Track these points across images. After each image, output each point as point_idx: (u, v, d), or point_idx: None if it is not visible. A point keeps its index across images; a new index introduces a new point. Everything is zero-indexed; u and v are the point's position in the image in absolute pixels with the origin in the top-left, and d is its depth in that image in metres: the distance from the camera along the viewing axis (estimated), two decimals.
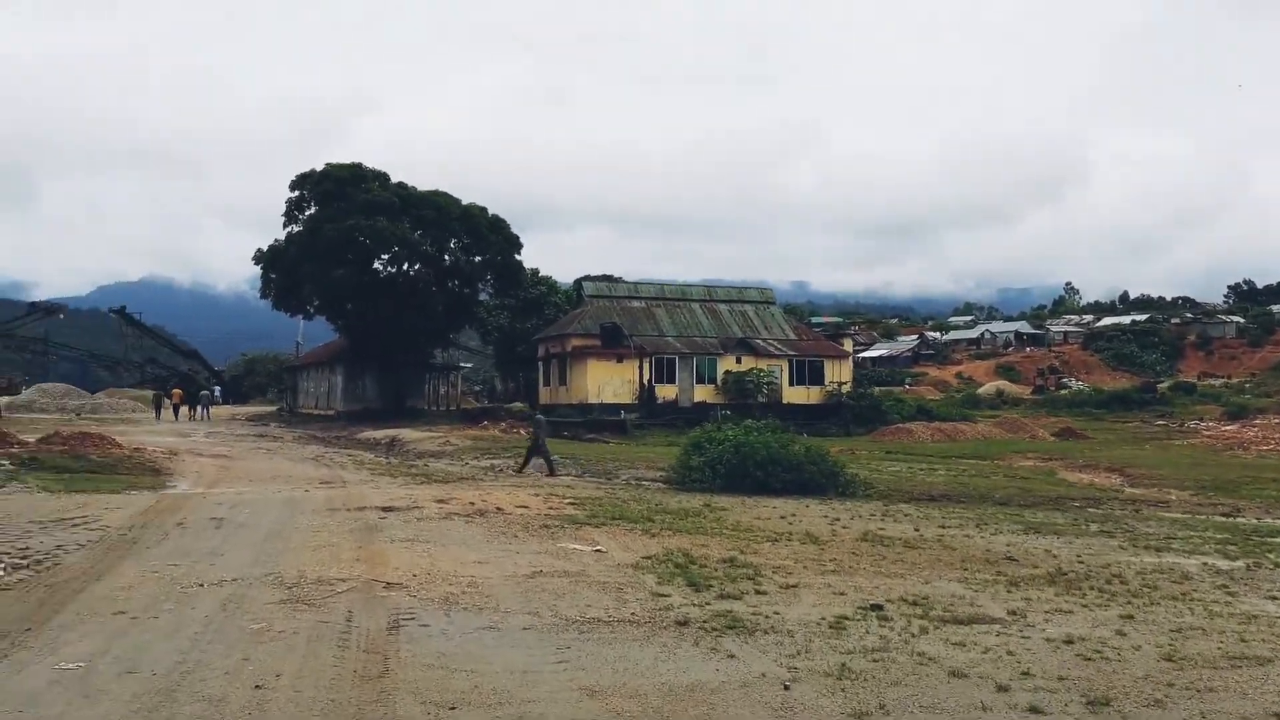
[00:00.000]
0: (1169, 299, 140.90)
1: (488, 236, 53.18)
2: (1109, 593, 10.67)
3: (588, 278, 63.93)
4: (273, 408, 67.13)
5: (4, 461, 21.79)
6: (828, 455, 22.34)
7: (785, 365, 51.60)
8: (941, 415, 51.69)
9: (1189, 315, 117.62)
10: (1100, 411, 60.79)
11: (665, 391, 49.00)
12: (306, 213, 52.00)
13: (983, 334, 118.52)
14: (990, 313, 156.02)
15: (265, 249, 53.24)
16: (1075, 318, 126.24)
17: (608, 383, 48.16)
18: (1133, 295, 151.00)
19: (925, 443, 41.28)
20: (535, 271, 63.96)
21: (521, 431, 37.85)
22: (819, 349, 54.00)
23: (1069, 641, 8.42)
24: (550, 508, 16.44)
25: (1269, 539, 15.67)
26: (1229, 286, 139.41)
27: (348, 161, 53.23)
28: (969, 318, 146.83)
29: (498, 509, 16.02)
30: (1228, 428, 47.17)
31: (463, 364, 71.97)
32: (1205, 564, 12.89)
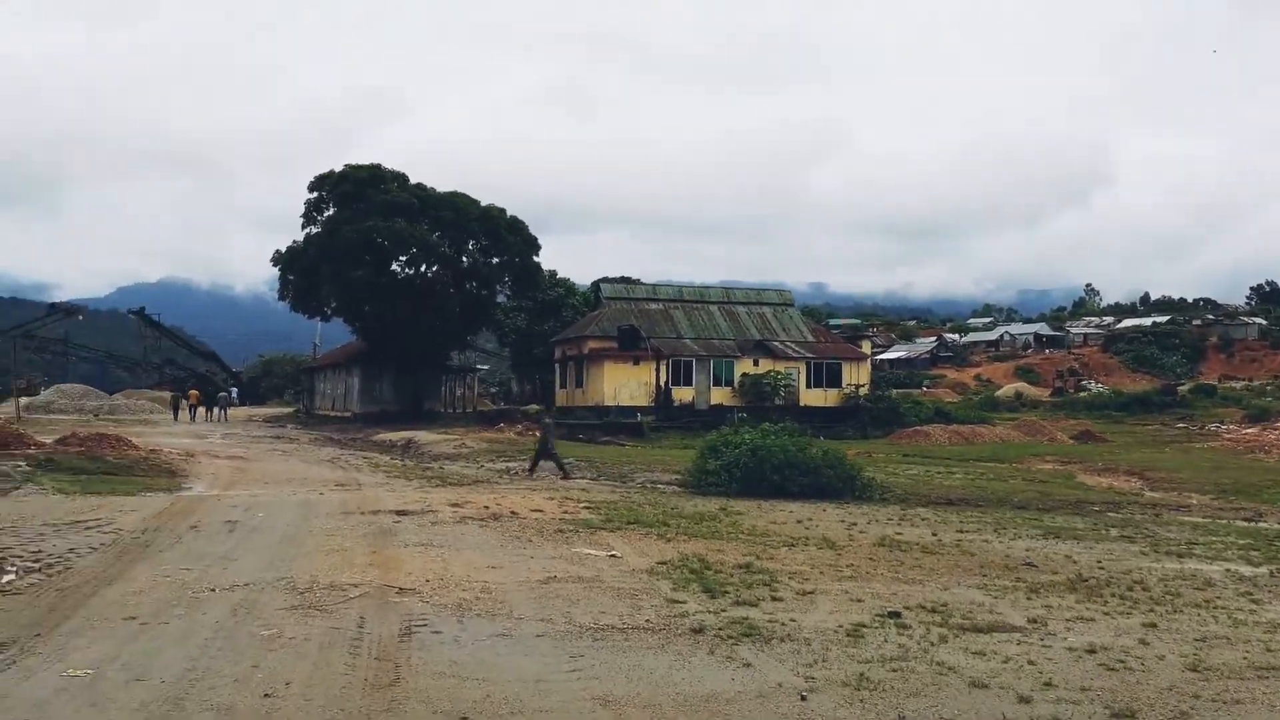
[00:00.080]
0: (1190, 300, 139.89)
1: (506, 238, 53.13)
2: (1131, 600, 10.49)
3: (605, 279, 63.83)
4: (290, 409, 67.37)
5: (20, 463, 21.86)
6: (845, 458, 22.17)
7: (803, 367, 51.40)
8: (959, 418, 51.38)
9: (1210, 317, 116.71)
10: (1120, 414, 60.36)
11: (682, 394, 48.87)
12: (325, 214, 52.14)
13: (1002, 336, 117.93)
14: (1009, 314, 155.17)
15: (284, 250, 53.43)
16: (1095, 319, 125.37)
17: (624, 385, 48.08)
18: (1154, 297, 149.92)
19: (943, 445, 41.03)
20: (553, 273, 63.94)
21: (537, 434, 37.79)
22: (837, 351, 53.76)
23: (1091, 651, 8.25)
24: (565, 512, 16.35)
25: None
26: (1251, 288, 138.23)
27: (366, 163, 53.33)
28: (988, 319, 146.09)
29: (512, 513, 15.94)
30: (1249, 430, 46.66)
31: (479, 366, 72.06)
32: (1228, 570, 12.69)
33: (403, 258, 52.19)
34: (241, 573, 10.73)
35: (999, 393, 77.75)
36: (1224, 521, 18.99)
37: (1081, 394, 75.01)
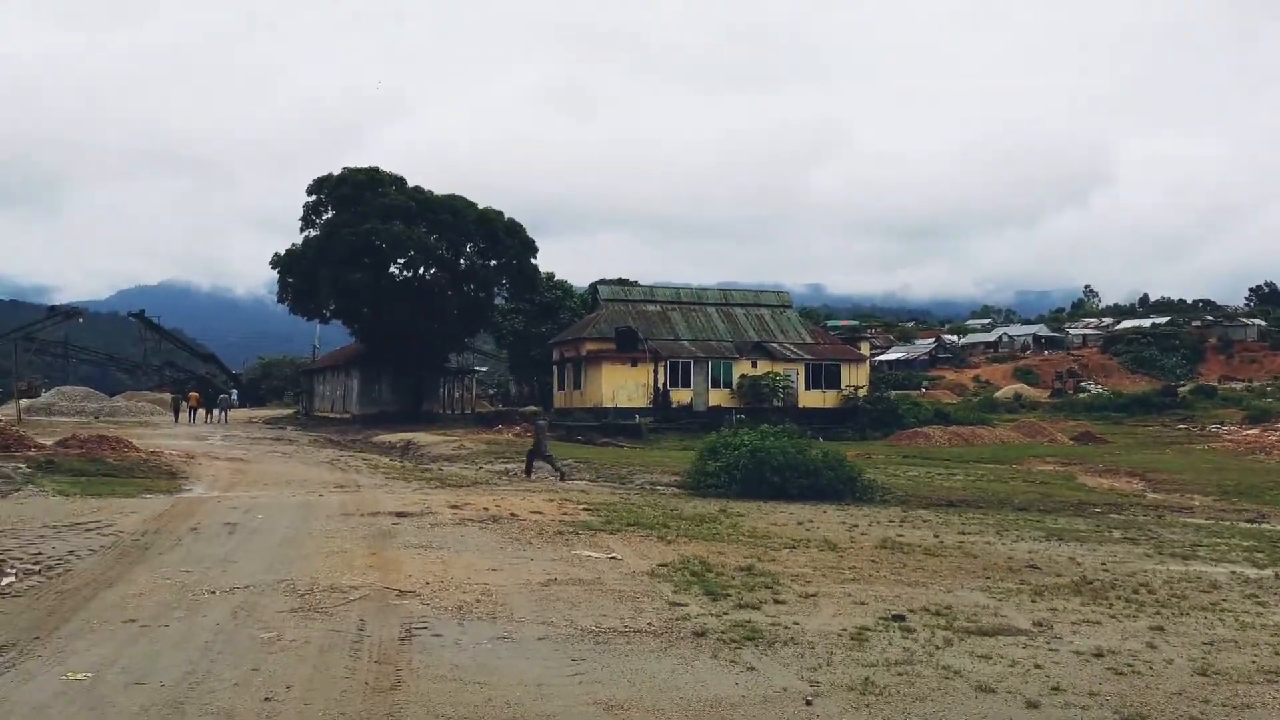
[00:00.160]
0: (1189, 302, 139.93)
1: (504, 240, 53.16)
2: (1137, 602, 10.43)
3: (603, 281, 63.76)
4: (289, 411, 67.32)
5: (21, 465, 21.78)
6: (845, 460, 22.11)
7: (801, 369, 51.34)
8: (959, 419, 51.32)
9: (1209, 318, 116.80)
10: (1120, 415, 60.32)
11: (680, 395, 48.82)
12: (324, 217, 52.18)
13: (1000, 337, 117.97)
14: (1008, 316, 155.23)
15: (283, 253, 53.42)
16: (1094, 321, 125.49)
17: (622, 387, 48.03)
18: (1153, 298, 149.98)
19: (942, 447, 40.96)
20: (551, 275, 63.92)
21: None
22: (835, 352, 53.71)
23: (1099, 654, 8.19)
24: (565, 513, 16.28)
25: None
26: (1250, 289, 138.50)
27: (365, 165, 53.41)
28: (986, 320, 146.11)
29: (512, 514, 15.87)
30: (1249, 432, 46.63)
31: (478, 368, 71.99)
32: (1233, 572, 12.63)
33: (401, 260, 52.24)
34: (241, 575, 10.66)
35: (998, 394, 77.76)
36: (1227, 523, 18.92)
37: (1081, 395, 74.99)
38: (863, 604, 9.98)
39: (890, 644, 8.39)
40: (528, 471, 25.05)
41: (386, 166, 53.69)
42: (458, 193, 53.78)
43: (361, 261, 49.31)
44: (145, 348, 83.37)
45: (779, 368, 50.47)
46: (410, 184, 53.13)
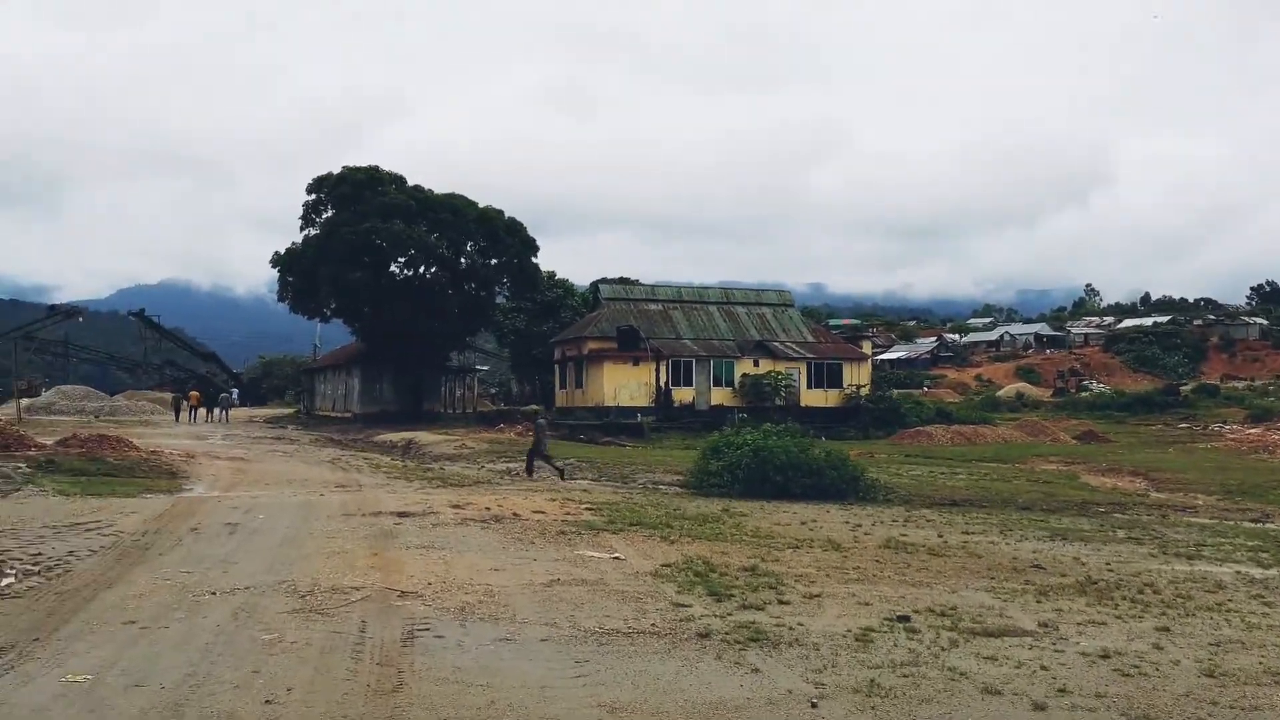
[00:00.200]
0: (1191, 301, 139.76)
1: (504, 239, 53.09)
2: (1142, 603, 10.37)
3: (604, 280, 63.70)
4: (290, 410, 67.25)
5: (21, 465, 21.73)
6: (848, 459, 22.05)
7: (803, 368, 51.27)
8: (961, 418, 51.25)
9: (1211, 317, 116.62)
10: (1122, 414, 60.23)
11: (682, 395, 48.75)
12: (324, 216, 52.11)
13: (1002, 336, 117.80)
14: (1009, 315, 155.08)
15: (283, 252, 53.35)
16: (1096, 319, 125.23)
17: (624, 386, 47.96)
18: (1154, 297, 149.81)
19: (945, 446, 40.90)
20: (552, 274, 63.87)
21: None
22: (837, 351, 53.64)
23: (1105, 656, 8.13)
24: (567, 513, 16.23)
25: None
26: (1251, 288, 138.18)
27: (365, 165, 53.29)
28: (988, 319, 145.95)
29: (514, 514, 15.82)
30: (1252, 431, 46.53)
31: (479, 366, 71.93)
32: (1238, 572, 12.57)
33: (401, 259, 52.14)
34: (242, 576, 10.61)
35: (1000, 393, 77.63)
36: (1231, 523, 18.86)
37: (1083, 394, 74.87)
38: (867, 605, 9.93)
39: (895, 645, 8.33)
40: (529, 471, 25.02)
41: (387, 166, 53.71)
42: (458, 192, 53.76)
43: (362, 260, 49.25)
44: (145, 347, 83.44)
45: (781, 367, 50.40)
46: (410, 183, 53.09)
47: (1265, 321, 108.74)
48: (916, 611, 9.57)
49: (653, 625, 8.83)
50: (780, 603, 9.85)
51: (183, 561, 11.43)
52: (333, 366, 62.48)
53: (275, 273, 53.82)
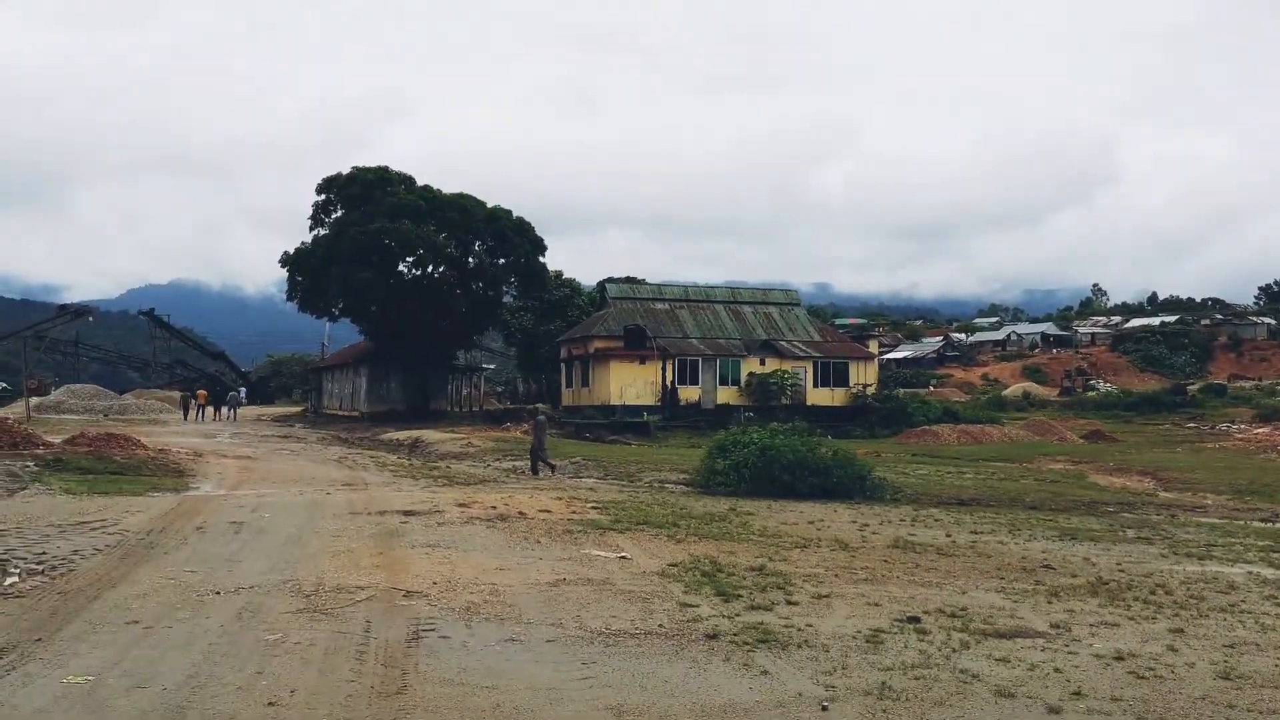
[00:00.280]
0: (1198, 300, 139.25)
1: (512, 239, 53.09)
2: (1155, 604, 10.26)
3: (611, 279, 63.58)
4: (298, 409, 67.29)
5: (29, 463, 21.73)
6: (855, 458, 21.97)
7: (809, 367, 51.12)
8: (968, 417, 51.03)
9: (1219, 316, 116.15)
10: (1129, 414, 59.94)
11: (688, 393, 48.65)
12: (333, 216, 52.22)
13: (1009, 335, 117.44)
14: (1016, 314, 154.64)
15: (292, 252, 53.38)
16: (1103, 319, 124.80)
17: (630, 384, 47.87)
18: (1161, 297, 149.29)
19: (952, 445, 40.77)
20: (559, 273, 63.87)
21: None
22: (844, 350, 53.49)
23: (1119, 658, 8.02)
24: (573, 512, 16.16)
25: None
26: (1259, 288, 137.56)
27: (374, 165, 53.37)
28: (994, 319, 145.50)
29: (520, 513, 15.74)
30: (1260, 430, 46.29)
31: (486, 365, 71.94)
32: (1250, 573, 12.45)
33: (410, 259, 52.13)
34: (247, 575, 10.55)
35: (1006, 392, 77.30)
36: (1241, 523, 18.74)
37: (1090, 394, 74.53)
38: (876, 605, 9.83)
39: (906, 647, 8.23)
40: (534, 469, 25.03)
41: (394, 166, 53.74)
42: (466, 192, 53.74)
43: (370, 260, 49.27)
44: (155, 346, 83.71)
45: (787, 366, 50.25)
46: (419, 183, 53.10)
47: (1273, 321, 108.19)
48: (926, 612, 9.48)
49: (660, 626, 8.74)
50: (789, 603, 9.76)
51: (187, 561, 11.37)
52: (340, 365, 62.49)
53: (284, 272, 53.89)
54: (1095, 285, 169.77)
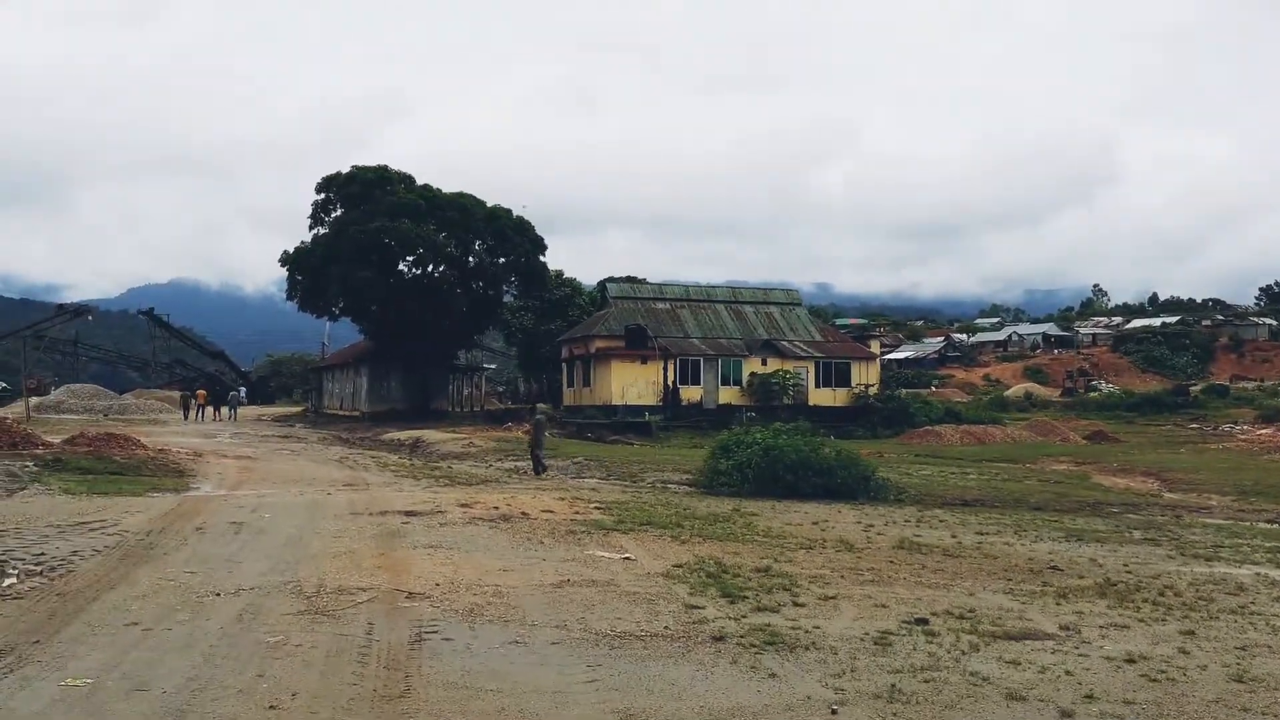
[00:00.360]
0: (1199, 301, 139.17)
1: (512, 238, 53.03)
2: (1164, 605, 10.16)
3: (612, 279, 63.49)
4: (298, 408, 67.21)
5: (28, 463, 21.64)
6: (859, 459, 21.87)
7: (811, 367, 51.03)
8: (970, 418, 50.93)
9: (1220, 317, 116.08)
10: (1131, 414, 59.85)
11: (690, 393, 48.56)
12: (332, 215, 52.17)
13: (1010, 336, 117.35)
14: (1017, 315, 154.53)
15: (291, 251, 53.30)
16: (1104, 320, 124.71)
17: (632, 384, 47.77)
18: (1162, 297, 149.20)
19: (955, 445, 40.67)
20: (560, 273, 63.77)
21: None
22: (845, 350, 53.40)
23: (1130, 660, 7.92)
24: (576, 512, 16.06)
25: None
26: (1260, 288, 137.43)
27: (374, 164, 53.29)
28: (995, 319, 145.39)
29: (522, 514, 15.64)
30: (1263, 431, 46.20)
31: (486, 365, 71.85)
32: (1259, 574, 12.36)
33: (410, 258, 52.08)
34: (247, 576, 10.45)
35: (1008, 393, 77.21)
36: (1247, 523, 18.64)
37: (1092, 394, 74.43)
38: (884, 606, 9.73)
39: (915, 649, 8.13)
40: (536, 470, 24.98)
41: (394, 166, 53.66)
42: (466, 192, 53.66)
43: (370, 259, 49.22)
44: (154, 345, 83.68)
45: (789, 366, 50.16)
46: (418, 183, 53.01)
47: (1274, 322, 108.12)
48: (934, 614, 9.38)
49: (666, 628, 8.65)
50: (795, 605, 9.66)
51: (187, 562, 11.28)
52: (341, 365, 62.42)
53: (284, 271, 53.83)
54: (1096, 285, 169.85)
